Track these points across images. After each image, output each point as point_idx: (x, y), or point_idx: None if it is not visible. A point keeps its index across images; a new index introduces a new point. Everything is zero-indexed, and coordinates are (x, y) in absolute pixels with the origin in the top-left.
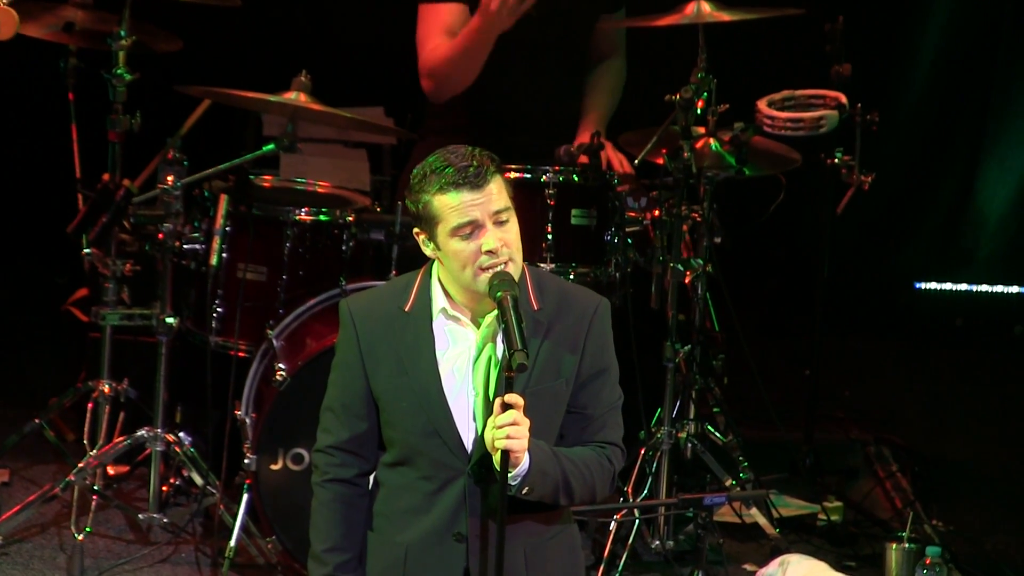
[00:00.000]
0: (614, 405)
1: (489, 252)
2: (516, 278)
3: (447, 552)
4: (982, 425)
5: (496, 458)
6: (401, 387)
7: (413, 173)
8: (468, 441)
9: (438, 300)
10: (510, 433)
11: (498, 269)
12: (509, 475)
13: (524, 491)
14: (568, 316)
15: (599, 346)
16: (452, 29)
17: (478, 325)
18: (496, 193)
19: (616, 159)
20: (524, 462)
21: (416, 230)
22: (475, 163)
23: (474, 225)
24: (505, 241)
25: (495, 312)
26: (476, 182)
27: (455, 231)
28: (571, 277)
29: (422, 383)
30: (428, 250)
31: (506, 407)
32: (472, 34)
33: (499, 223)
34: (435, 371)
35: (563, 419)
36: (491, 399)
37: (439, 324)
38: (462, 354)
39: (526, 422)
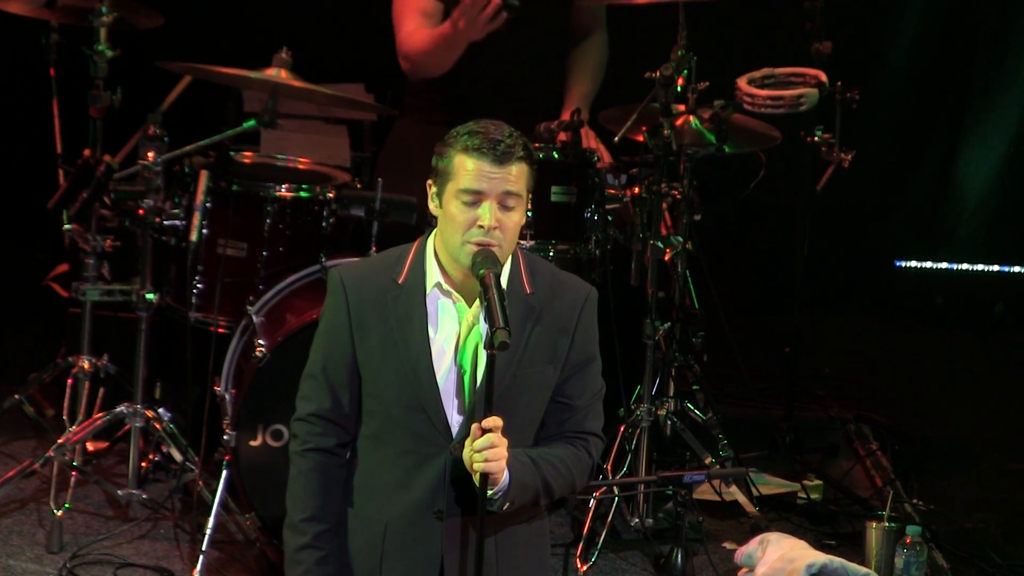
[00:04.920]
0: (597, 395)
1: (481, 227)
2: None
3: (426, 529)
4: (963, 403)
5: (476, 477)
6: (389, 359)
7: (454, 129)
8: (452, 418)
9: (433, 274)
10: (488, 456)
11: (482, 247)
12: (490, 492)
13: (506, 506)
14: (560, 302)
15: (588, 334)
16: (426, 10)
17: (471, 303)
18: (514, 177)
19: (597, 149)
20: (504, 479)
21: (429, 181)
22: (508, 141)
23: (479, 195)
24: (501, 225)
25: None
26: (500, 158)
27: (460, 193)
28: (551, 254)
29: (412, 356)
30: (432, 204)
31: (484, 431)
32: (443, 39)
33: (504, 206)
34: (426, 345)
35: (547, 407)
36: (478, 378)
37: (432, 298)
38: (453, 330)
39: (504, 443)
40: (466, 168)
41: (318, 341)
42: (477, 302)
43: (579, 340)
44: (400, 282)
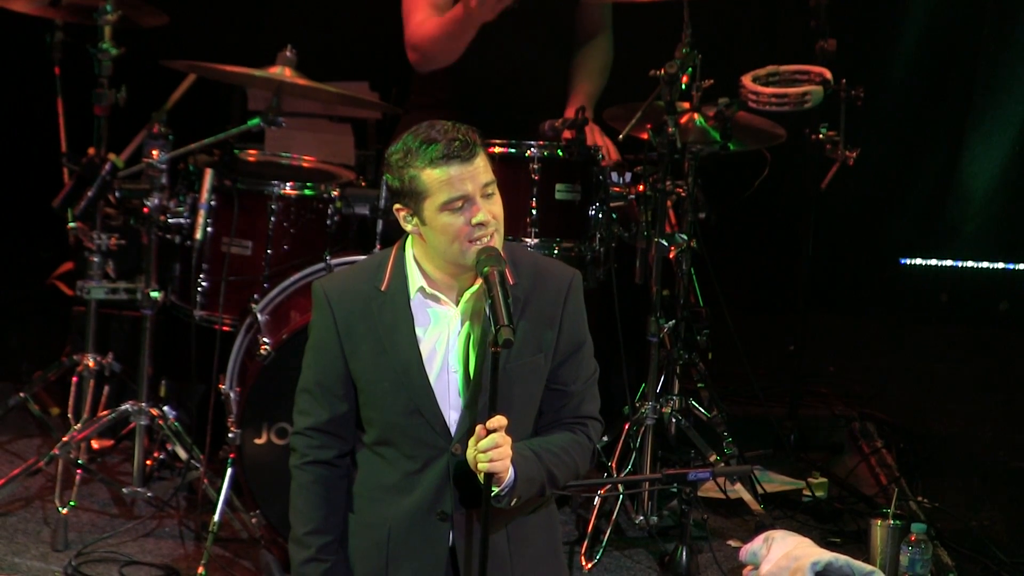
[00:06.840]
0: (591, 378)
1: (479, 225)
2: (500, 250)
3: (431, 531)
4: (967, 401)
5: (481, 476)
6: (381, 367)
7: (392, 149)
8: (450, 419)
9: (415, 278)
10: (492, 457)
11: (484, 243)
12: (496, 490)
13: (513, 502)
14: (544, 291)
15: (575, 320)
16: (436, 2)
17: (457, 302)
18: (482, 166)
19: (603, 145)
20: (509, 477)
21: (397, 206)
22: (461, 137)
23: (465, 199)
24: (493, 214)
25: (474, 288)
26: (465, 155)
27: (446, 205)
28: (555, 252)
29: (402, 362)
30: (410, 226)
31: (489, 431)
32: (455, 23)
33: (487, 196)
34: (415, 349)
35: (543, 394)
36: (472, 376)
37: (417, 302)
38: (442, 332)
39: (508, 441)
40: (440, 180)
41: (309, 356)
42: (463, 300)
43: (567, 327)
44: (383, 289)
